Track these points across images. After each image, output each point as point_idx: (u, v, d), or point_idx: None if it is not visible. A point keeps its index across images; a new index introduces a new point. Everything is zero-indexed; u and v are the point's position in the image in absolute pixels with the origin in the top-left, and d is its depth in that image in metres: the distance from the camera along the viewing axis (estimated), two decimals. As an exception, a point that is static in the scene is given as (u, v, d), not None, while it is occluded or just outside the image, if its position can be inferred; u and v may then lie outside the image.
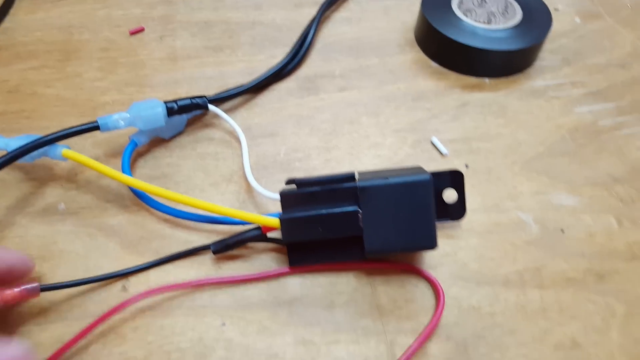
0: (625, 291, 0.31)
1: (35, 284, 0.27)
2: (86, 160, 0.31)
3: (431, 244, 0.29)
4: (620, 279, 0.32)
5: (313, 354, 0.28)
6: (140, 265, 0.30)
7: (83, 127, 0.32)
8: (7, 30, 0.44)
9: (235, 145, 0.37)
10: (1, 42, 0.43)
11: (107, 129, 0.32)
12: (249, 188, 0.35)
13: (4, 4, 0.44)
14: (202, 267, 0.31)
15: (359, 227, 0.28)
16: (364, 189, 0.28)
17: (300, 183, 0.30)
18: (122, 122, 0.33)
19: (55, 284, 0.28)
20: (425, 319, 0.30)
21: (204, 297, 0.30)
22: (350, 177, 0.29)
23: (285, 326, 0.29)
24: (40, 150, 0.31)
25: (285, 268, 0.31)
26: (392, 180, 0.28)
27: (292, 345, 0.28)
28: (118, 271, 0.30)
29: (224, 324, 0.29)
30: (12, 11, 0.46)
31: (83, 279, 0.29)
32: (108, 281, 0.30)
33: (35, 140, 0.31)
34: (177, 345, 0.28)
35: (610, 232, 0.34)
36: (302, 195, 0.30)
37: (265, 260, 0.32)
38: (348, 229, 0.29)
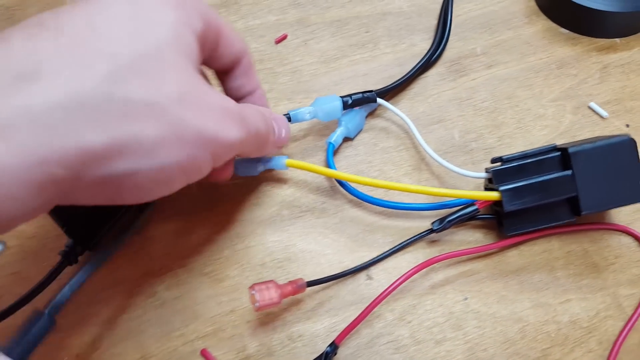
0: None
1: (302, 281, 0.32)
2: (308, 166, 0.34)
3: (638, 198, 0.32)
4: None
5: (552, 313, 0.32)
6: (380, 255, 0.34)
7: None
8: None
9: (411, 136, 0.40)
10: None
11: (297, 120, 0.37)
12: (440, 174, 0.38)
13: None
14: (424, 251, 0.35)
15: (575, 188, 0.32)
16: (576, 153, 0.32)
17: (507, 159, 0.34)
18: (307, 115, 0.37)
19: (317, 279, 0.33)
20: (636, 270, 0.33)
21: (439, 276, 0.34)
22: (552, 149, 0.33)
23: (519, 293, 0.33)
24: (266, 162, 0.35)
25: (506, 240, 0.34)
26: (599, 143, 0.32)
27: (531, 308, 0.33)
28: (363, 263, 0.34)
29: (466, 298, 0.33)
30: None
31: (339, 272, 0.33)
32: (353, 273, 0.34)
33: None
34: (433, 321, 0.32)
35: None
36: (511, 169, 0.33)
37: (477, 238, 0.35)
38: (564, 192, 0.32)
